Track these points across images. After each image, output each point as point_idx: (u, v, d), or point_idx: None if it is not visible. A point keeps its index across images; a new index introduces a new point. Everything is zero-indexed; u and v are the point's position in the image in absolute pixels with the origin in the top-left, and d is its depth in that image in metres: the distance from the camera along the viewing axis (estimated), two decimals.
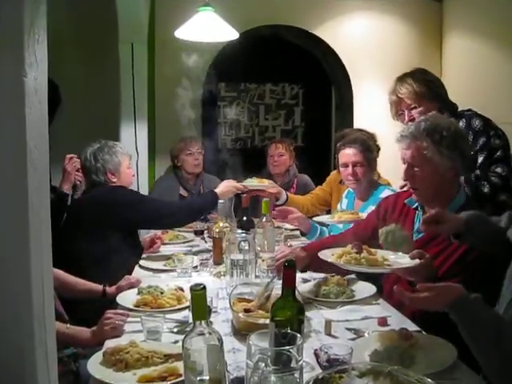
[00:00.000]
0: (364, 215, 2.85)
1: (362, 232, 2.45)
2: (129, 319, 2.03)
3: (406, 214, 2.28)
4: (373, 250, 2.15)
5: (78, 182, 3.22)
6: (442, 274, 1.98)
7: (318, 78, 5.35)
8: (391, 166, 3.84)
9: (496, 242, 1.78)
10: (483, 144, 2.51)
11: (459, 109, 2.72)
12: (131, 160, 3.19)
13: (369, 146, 3.20)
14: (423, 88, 2.65)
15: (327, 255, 2.10)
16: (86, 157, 3.01)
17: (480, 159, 2.51)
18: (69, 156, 3.19)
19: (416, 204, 2.25)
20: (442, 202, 2.07)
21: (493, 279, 1.73)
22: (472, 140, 2.51)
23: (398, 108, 2.74)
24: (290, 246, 2.98)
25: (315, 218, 3.36)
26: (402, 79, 2.72)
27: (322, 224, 3.33)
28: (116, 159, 3.03)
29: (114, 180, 3.01)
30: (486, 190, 2.44)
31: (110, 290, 2.42)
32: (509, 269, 1.67)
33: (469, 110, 2.69)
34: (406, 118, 2.70)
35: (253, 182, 3.40)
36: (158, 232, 3.34)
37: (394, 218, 2.27)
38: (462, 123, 2.57)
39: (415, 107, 2.67)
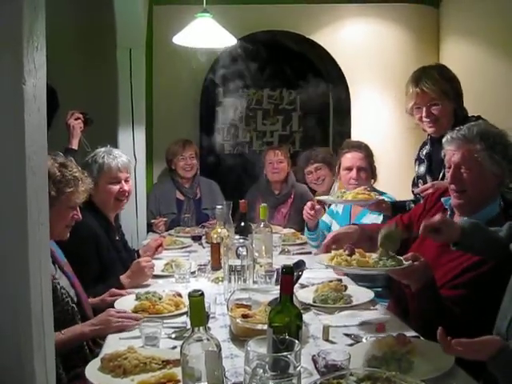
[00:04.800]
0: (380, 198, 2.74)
1: (404, 224, 2.38)
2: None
3: (437, 210, 2.21)
4: (367, 253, 2.16)
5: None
6: (446, 282, 1.98)
7: (316, 84, 5.37)
8: (384, 176, 3.83)
9: (494, 249, 1.78)
10: None
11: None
12: (129, 172, 2.88)
13: (372, 153, 3.23)
14: (448, 85, 2.51)
15: (323, 259, 2.11)
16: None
17: None
18: (71, 112, 3.16)
19: (448, 205, 2.18)
20: (477, 208, 2.04)
21: (493, 298, 1.74)
22: None
23: (418, 101, 2.54)
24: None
25: (320, 198, 3.10)
26: (426, 71, 2.56)
27: (325, 203, 3.27)
28: (95, 170, 2.72)
29: (94, 194, 2.63)
30: None
31: (93, 301, 2.34)
32: (509, 284, 1.66)
33: (479, 117, 2.55)
34: (424, 113, 2.53)
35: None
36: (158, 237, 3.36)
37: (432, 212, 2.22)
38: None
39: (436, 104, 2.52)
